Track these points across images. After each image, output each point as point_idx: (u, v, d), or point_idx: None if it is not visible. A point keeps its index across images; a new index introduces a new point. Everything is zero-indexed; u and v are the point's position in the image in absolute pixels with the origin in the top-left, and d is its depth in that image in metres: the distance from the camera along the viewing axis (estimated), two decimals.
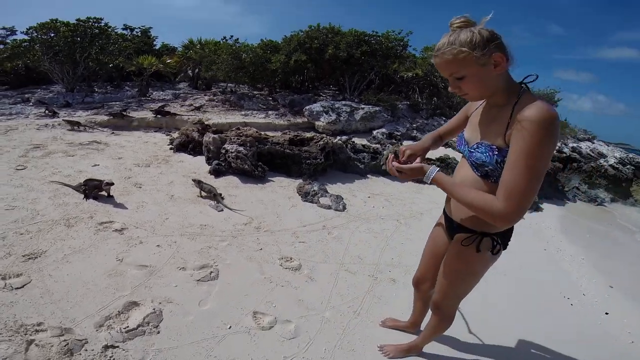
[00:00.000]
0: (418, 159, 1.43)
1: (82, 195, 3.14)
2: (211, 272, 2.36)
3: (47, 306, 1.85)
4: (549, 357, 2.10)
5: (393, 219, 3.72)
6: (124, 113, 6.47)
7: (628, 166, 7.49)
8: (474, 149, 1.23)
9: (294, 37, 9.42)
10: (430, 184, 1.23)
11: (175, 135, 5.39)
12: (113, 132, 5.69)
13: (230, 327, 1.92)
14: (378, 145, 6.12)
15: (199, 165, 4.43)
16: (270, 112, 8.06)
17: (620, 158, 7.94)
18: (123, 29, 12.28)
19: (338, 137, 6.21)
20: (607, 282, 3.16)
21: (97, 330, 1.75)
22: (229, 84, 10.78)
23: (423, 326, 1.87)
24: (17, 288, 1.94)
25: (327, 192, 4.03)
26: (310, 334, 1.96)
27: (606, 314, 2.64)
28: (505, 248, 1.41)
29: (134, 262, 2.33)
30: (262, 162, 4.28)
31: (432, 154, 5.80)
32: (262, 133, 4.88)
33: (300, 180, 4.23)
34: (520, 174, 1.03)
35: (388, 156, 1.37)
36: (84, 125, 5.68)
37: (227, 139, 4.38)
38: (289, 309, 2.13)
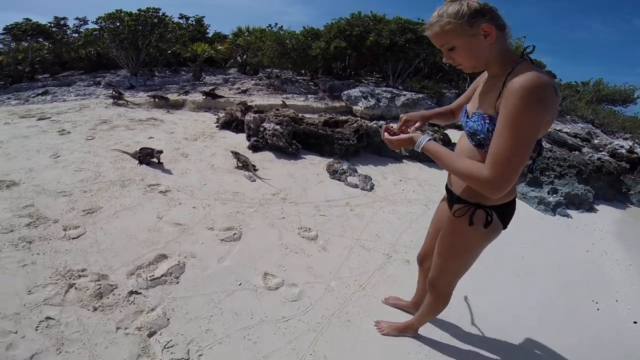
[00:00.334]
0: (415, 127, 1.48)
1: (137, 161, 3.60)
2: (234, 233, 2.61)
3: (93, 255, 2.21)
4: (551, 357, 1.98)
5: (422, 203, 3.69)
6: (216, 93, 7.12)
7: None
8: (469, 119, 1.24)
9: (334, 25, 9.44)
10: (422, 152, 1.24)
11: (221, 114, 5.78)
12: (168, 111, 6.26)
13: (241, 284, 2.13)
14: (418, 132, 6.01)
15: (240, 141, 4.75)
16: (309, 96, 8.22)
17: None
18: (179, 18, 13.07)
19: (374, 122, 6.19)
20: None
21: (127, 278, 2.06)
22: (274, 70, 11.10)
23: None
24: (74, 238, 2.34)
25: (356, 172, 4.12)
26: (312, 299, 2.08)
27: (634, 322, 2.39)
28: (505, 226, 1.36)
29: (171, 220, 2.66)
30: (297, 141, 4.48)
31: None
32: (299, 114, 5.06)
33: (331, 159, 4.36)
34: (505, 141, 1.03)
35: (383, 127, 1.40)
36: (165, 99, 6.44)
37: (266, 118, 4.64)
38: (297, 274, 2.27)
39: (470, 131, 1.22)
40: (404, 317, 2.00)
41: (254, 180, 3.57)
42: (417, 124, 1.50)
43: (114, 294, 1.94)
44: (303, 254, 2.50)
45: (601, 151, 8.17)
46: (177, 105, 6.74)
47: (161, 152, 3.64)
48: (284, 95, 8.22)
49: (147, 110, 6.09)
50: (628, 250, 3.54)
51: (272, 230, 2.74)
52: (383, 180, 4.15)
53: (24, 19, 10.27)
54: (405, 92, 7.98)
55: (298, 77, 10.80)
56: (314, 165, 4.22)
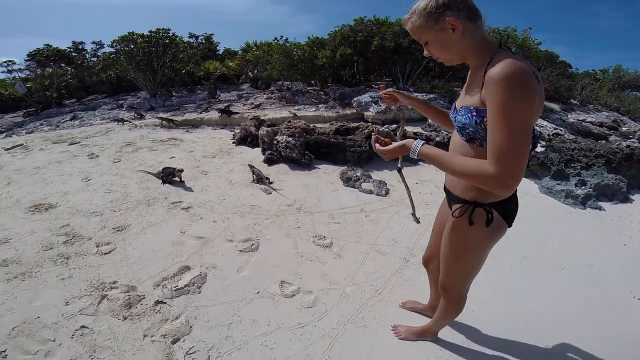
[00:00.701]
0: (397, 105, 1.55)
1: (161, 181, 3.83)
2: (252, 244, 2.74)
3: (123, 268, 2.40)
4: (588, 353, 1.88)
5: (439, 205, 3.72)
6: (231, 110, 7.43)
7: None
8: (457, 113, 1.22)
9: (338, 32, 9.57)
10: (418, 159, 1.20)
11: (237, 130, 6.01)
12: (187, 130, 6.55)
13: (258, 292, 2.24)
14: (433, 132, 6.02)
15: (255, 156, 4.93)
16: (320, 106, 8.38)
17: None
18: (189, 37, 13.55)
19: (386, 126, 6.26)
20: None
21: (154, 289, 2.22)
22: (284, 82, 11.34)
23: None
24: (105, 253, 2.55)
25: (370, 177, 4.19)
26: (327, 305, 2.14)
27: None
28: (510, 224, 1.30)
29: (193, 234, 2.84)
30: (310, 151, 4.61)
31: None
32: (311, 125, 5.21)
33: (344, 167, 4.46)
34: (501, 133, 0.99)
35: (373, 133, 1.35)
36: (176, 121, 6.71)
37: (279, 131, 4.80)
38: (312, 281, 2.35)
39: (459, 125, 1.20)
40: (423, 322, 1.97)
41: (270, 193, 3.72)
42: (400, 99, 1.58)
43: (141, 304, 2.09)
44: (318, 262, 2.57)
45: (630, 138, 7.88)
46: (195, 124, 7.04)
47: (182, 170, 3.87)
48: (296, 107, 8.41)
49: (168, 131, 6.41)
50: None
51: (288, 240, 2.84)
52: (399, 185, 4.15)
53: (44, 44, 11.00)
54: (416, 94, 8.00)
55: (308, 88, 11.00)
56: (328, 174, 4.33)
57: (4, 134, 7.63)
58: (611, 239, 3.26)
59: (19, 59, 10.77)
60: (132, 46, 9.56)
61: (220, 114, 7.33)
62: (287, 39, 11.54)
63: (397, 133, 1.67)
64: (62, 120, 8.06)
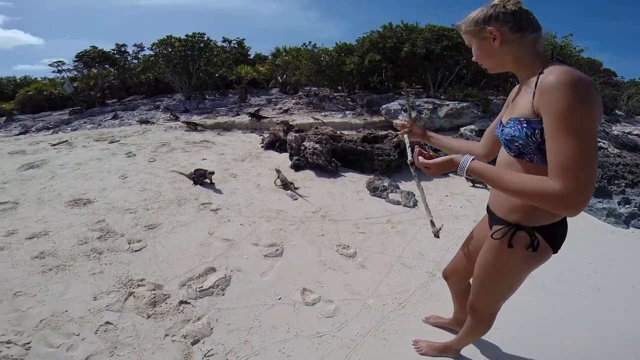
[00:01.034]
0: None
1: (192, 182, 3.95)
2: (277, 249, 2.75)
3: (152, 266, 2.47)
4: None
5: (470, 219, 3.57)
6: (259, 113, 7.60)
7: None
8: (505, 126, 1.16)
9: (366, 39, 9.50)
10: (467, 176, 1.11)
11: (266, 135, 6.11)
12: (219, 133, 6.74)
13: (280, 298, 2.24)
14: (457, 154, 5.84)
15: (283, 161, 4.98)
16: (347, 112, 8.36)
17: None
18: (222, 42, 13.86)
19: None
20: None
21: (179, 288, 2.26)
22: (312, 88, 11.43)
23: None
24: (136, 251, 2.65)
25: (398, 188, 4.11)
26: (348, 316, 2.11)
27: None
28: (555, 250, 1.23)
29: (221, 236, 2.89)
30: (336, 158, 4.60)
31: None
32: (338, 131, 5.20)
33: (371, 176, 4.41)
34: (565, 142, 0.90)
35: (413, 149, 1.26)
36: (201, 125, 6.88)
37: (306, 137, 4.83)
38: (334, 291, 2.32)
39: (507, 138, 1.13)
40: (446, 338, 1.92)
41: (296, 199, 3.74)
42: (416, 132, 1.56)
43: (166, 303, 2.14)
44: (341, 271, 2.54)
45: None
46: (227, 127, 7.24)
47: (212, 173, 3.98)
48: (323, 113, 8.44)
49: (201, 133, 6.62)
50: None
51: (312, 247, 2.84)
52: (428, 196, 4.04)
53: (90, 46, 11.64)
54: (447, 102, 7.81)
55: (335, 94, 11.03)
56: (354, 182, 4.30)
57: (52, 130, 8.19)
58: None
59: (68, 59, 11.47)
60: (170, 49, 9.98)
61: (250, 118, 7.48)
62: (315, 44, 11.66)
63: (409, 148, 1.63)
64: (103, 119, 8.54)
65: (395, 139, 4.79)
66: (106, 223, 3.02)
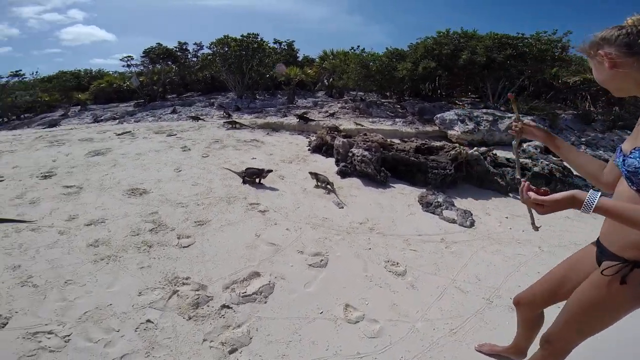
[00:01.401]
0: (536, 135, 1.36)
1: (241, 180, 3.97)
2: (322, 260, 2.64)
3: (198, 265, 2.46)
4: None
5: (534, 245, 3.26)
6: (306, 116, 7.66)
7: None
8: (628, 156, 1.07)
9: (420, 44, 9.14)
10: (595, 212, 0.97)
11: (313, 138, 6.06)
12: (268, 133, 6.83)
13: (322, 312, 2.12)
14: (528, 160, 5.35)
15: (329, 166, 4.88)
16: (397, 120, 8.07)
17: None
18: (273, 43, 14.05)
19: (475, 149, 5.74)
20: None
21: (223, 291, 2.22)
22: (358, 92, 11.25)
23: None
24: (184, 247, 2.66)
25: (453, 205, 3.84)
26: (393, 338, 1.96)
27: None
28: None
29: (267, 239, 2.84)
30: (386, 168, 4.40)
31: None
32: (388, 140, 4.99)
33: (424, 190, 4.15)
34: None
35: (521, 183, 1.13)
36: (239, 123, 7.01)
37: (355, 143, 4.68)
38: (379, 310, 2.18)
39: (630, 170, 1.04)
40: None
41: (342, 207, 3.61)
42: (536, 134, 1.38)
43: (208, 305, 2.10)
44: (388, 289, 2.40)
45: None
46: (275, 128, 7.32)
47: (270, 171, 4.00)
48: (370, 119, 8.24)
49: (251, 132, 6.76)
50: None
51: (358, 261, 2.70)
52: (485, 217, 3.77)
53: (156, 43, 12.37)
54: (509, 114, 7.25)
55: (383, 100, 10.74)
56: (404, 195, 4.08)
57: (117, 120, 8.84)
58: None
59: (135, 55, 12.34)
60: (227, 49, 10.34)
61: (298, 120, 7.50)
62: (363, 48, 11.45)
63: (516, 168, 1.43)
64: (163, 113, 9.06)
65: (452, 152, 4.48)
66: (159, 215, 3.10)
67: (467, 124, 6.68)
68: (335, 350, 1.86)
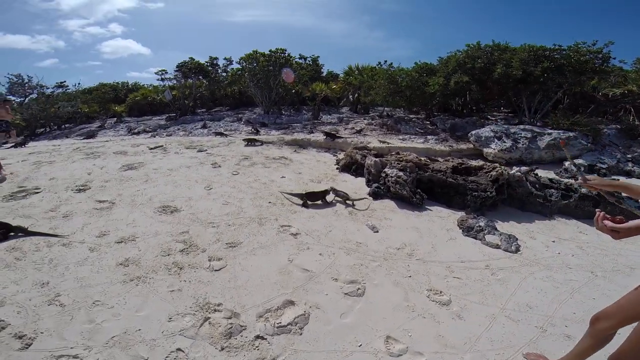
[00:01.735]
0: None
1: (269, 201, 3.86)
2: (358, 288, 2.47)
3: (230, 290, 2.34)
4: None
5: (586, 270, 3.06)
6: (337, 135, 7.60)
7: None
8: None
9: (451, 58, 8.89)
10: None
11: (341, 156, 5.93)
12: (295, 150, 6.78)
13: (361, 345, 1.97)
14: (571, 181, 4.97)
15: (359, 186, 4.72)
16: (429, 137, 7.81)
17: None
18: (299, 59, 14.02)
19: (516, 168, 5.42)
20: None
21: (256, 320, 2.09)
22: (385, 108, 11.07)
23: None
24: (216, 270, 2.56)
25: (495, 229, 3.58)
26: None
27: None
28: None
29: (300, 264, 2.70)
30: (421, 190, 4.19)
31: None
32: (422, 159, 4.79)
33: (463, 213, 3.90)
34: None
35: (596, 213, 1.27)
36: (259, 141, 6.97)
37: (388, 163, 4.50)
38: (424, 342, 2.03)
39: None
40: None
41: (377, 231, 3.43)
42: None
43: (242, 336, 1.97)
44: (432, 320, 2.23)
45: None
46: (303, 145, 7.27)
47: (329, 192, 4.01)
48: (400, 136, 8.04)
49: (279, 149, 6.73)
50: None
51: (397, 290, 2.52)
52: (530, 241, 3.53)
53: (189, 58, 12.73)
54: (549, 131, 6.86)
55: (411, 116, 10.51)
56: (442, 218, 3.85)
57: (150, 134, 9.09)
58: None
59: (169, 69, 12.72)
60: (255, 64, 10.51)
61: (325, 137, 7.42)
62: (391, 63, 11.30)
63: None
64: (194, 127, 9.24)
65: (493, 173, 4.21)
66: (189, 235, 3.03)
67: (504, 142, 6.36)
68: None
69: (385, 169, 4.38)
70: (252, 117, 10.12)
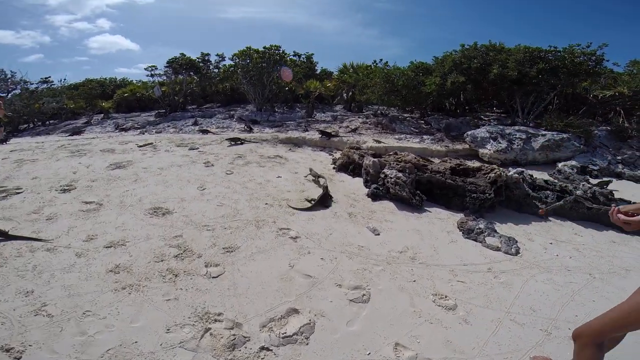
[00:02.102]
0: None
1: (266, 202, 3.74)
2: (363, 294, 2.39)
3: (230, 298, 2.23)
4: None
5: (584, 272, 3.07)
6: (332, 133, 7.46)
7: None
8: None
9: (447, 58, 8.88)
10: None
11: (337, 155, 5.83)
12: (290, 149, 6.65)
13: (370, 353, 1.91)
14: (567, 183, 5.00)
15: (357, 187, 4.62)
16: (425, 137, 7.77)
17: None
18: (293, 56, 13.62)
19: (514, 170, 5.41)
20: None
21: (260, 330, 1.98)
22: (379, 107, 11.02)
23: None
24: (214, 277, 2.43)
25: (495, 231, 3.55)
26: None
27: None
28: None
29: (302, 270, 2.60)
30: (420, 191, 4.13)
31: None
32: (420, 159, 4.73)
33: (462, 215, 3.86)
34: None
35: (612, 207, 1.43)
36: (243, 140, 6.80)
37: (387, 164, 4.43)
38: (433, 348, 1.99)
39: None
40: None
41: (378, 234, 3.35)
42: None
43: (246, 347, 1.87)
44: (440, 325, 2.20)
45: None
46: (297, 143, 7.15)
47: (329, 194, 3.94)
48: (395, 136, 7.99)
49: (273, 147, 6.59)
50: None
51: (403, 295, 2.46)
52: (529, 243, 3.52)
53: (180, 54, 12.39)
54: (544, 132, 6.90)
55: (405, 115, 10.48)
56: (442, 220, 3.80)
57: (139, 130, 8.82)
58: None
59: (159, 64, 12.40)
60: (248, 60, 10.30)
61: (320, 136, 7.31)
62: (386, 62, 11.22)
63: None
64: (185, 124, 9.00)
65: (492, 174, 4.17)
66: (183, 239, 2.89)
67: (499, 142, 6.36)
68: None
69: (385, 170, 4.30)
70: (244, 114, 9.93)
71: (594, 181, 5.54)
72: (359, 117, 9.89)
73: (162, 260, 2.59)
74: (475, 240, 3.39)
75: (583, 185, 4.93)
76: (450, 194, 4.12)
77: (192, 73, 12.77)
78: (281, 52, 10.73)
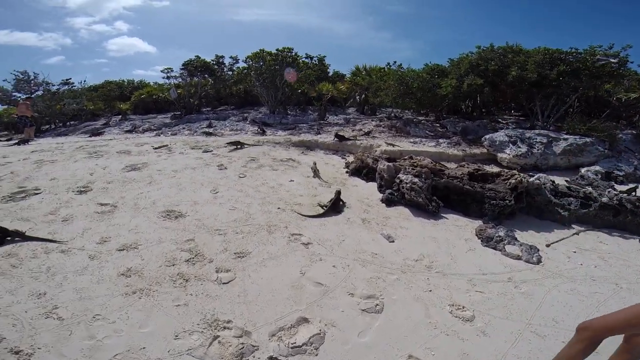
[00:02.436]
0: None
1: (278, 206, 3.71)
2: (377, 304, 2.32)
3: (240, 306, 2.18)
4: None
5: (610, 282, 2.93)
6: (351, 138, 7.39)
7: None
8: None
9: (463, 60, 8.67)
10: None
11: (351, 159, 5.76)
12: (303, 152, 6.61)
13: None
14: (590, 189, 4.78)
15: (371, 192, 4.53)
16: (441, 140, 7.59)
17: None
18: (305, 58, 13.40)
19: (537, 176, 5.22)
20: None
21: (269, 339, 1.93)
22: (393, 110, 10.86)
23: None
24: (224, 283, 2.40)
25: (515, 239, 3.41)
26: None
27: None
28: None
29: (313, 277, 2.53)
30: (437, 197, 4.01)
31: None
32: (437, 164, 4.60)
33: (480, 222, 3.73)
34: None
35: None
36: (242, 143, 6.69)
37: (402, 168, 4.32)
38: None
39: None
40: None
41: (393, 241, 3.26)
42: None
43: (254, 357, 1.83)
44: (456, 337, 2.11)
45: None
46: (310, 146, 7.10)
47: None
48: (410, 139, 7.83)
49: (286, 150, 6.56)
50: None
51: (418, 305, 2.37)
52: (551, 251, 3.37)
53: (195, 56, 12.49)
54: (566, 136, 6.64)
55: (420, 118, 10.29)
56: (459, 227, 3.67)
57: (155, 132, 8.96)
58: None
59: (174, 67, 12.54)
60: (261, 63, 10.33)
61: (334, 139, 7.25)
62: (400, 64, 11.05)
63: None
64: (199, 127, 9.09)
65: (512, 180, 4.02)
66: (195, 243, 2.87)
67: (519, 147, 6.15)
68: None
69: (400, 175, 4.19)
70: (257, 117, 9.96)
71: (620, 187, 5.29)
72: (372, 120, 9.77)
73: (173, 265, 2.57)
74: (495, 248, 3.26)
75: (609, 192, 4.70)
76: (468, 200, 3.98)
77: (206, 75, 12.90)
78: (294, 54, 10.72)
